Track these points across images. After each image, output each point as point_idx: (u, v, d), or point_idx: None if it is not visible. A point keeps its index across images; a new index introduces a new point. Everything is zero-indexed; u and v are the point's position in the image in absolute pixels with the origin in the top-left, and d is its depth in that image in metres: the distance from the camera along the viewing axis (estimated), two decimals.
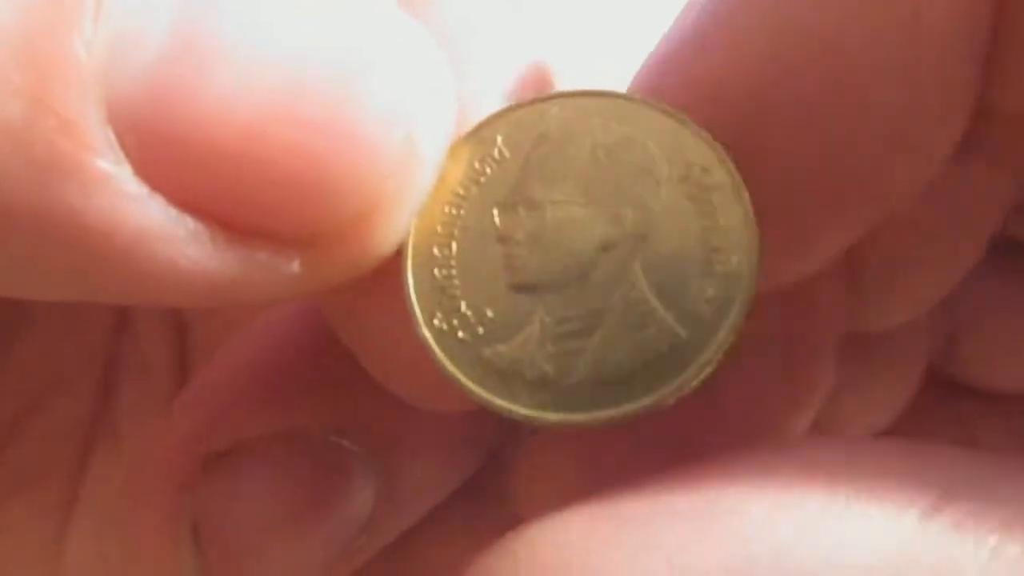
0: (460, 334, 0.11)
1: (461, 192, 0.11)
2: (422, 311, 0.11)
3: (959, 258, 0.15)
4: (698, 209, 0.11)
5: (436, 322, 0.11)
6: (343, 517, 0.14)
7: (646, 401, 0.11)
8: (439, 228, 0.11)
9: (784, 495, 0.09)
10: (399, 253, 0.11)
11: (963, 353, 0.18)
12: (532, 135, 0.12)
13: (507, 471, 0.15)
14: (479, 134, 0.12)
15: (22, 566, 0.17)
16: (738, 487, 0.09)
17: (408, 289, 0.11)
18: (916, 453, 0.10)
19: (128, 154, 0.08)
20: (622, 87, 0.13)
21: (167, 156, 0.08)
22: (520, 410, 0.11)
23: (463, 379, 0.11)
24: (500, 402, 0.11)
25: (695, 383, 0.11)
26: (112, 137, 0.08)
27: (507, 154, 0.12)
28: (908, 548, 0.08)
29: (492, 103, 0.12)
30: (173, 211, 0.08)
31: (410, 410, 0.14)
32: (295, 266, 0.09)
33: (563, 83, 0.13)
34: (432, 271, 0.11)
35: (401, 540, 0.16)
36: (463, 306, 0.11)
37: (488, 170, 0.11)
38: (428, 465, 0.15)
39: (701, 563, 0.09)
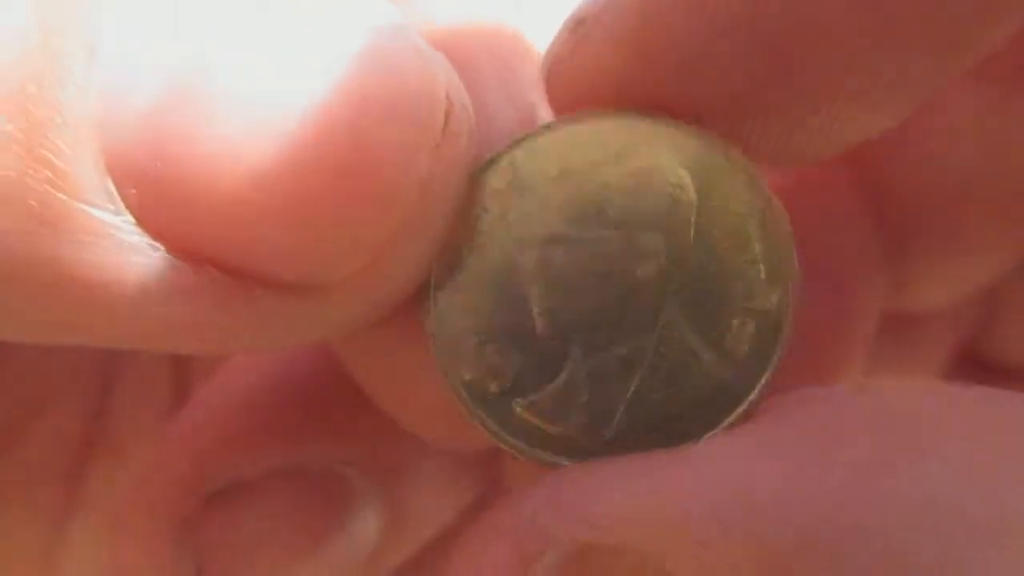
0: (490, 386, 0.10)
1: (484, 231, 0.10)
2: (450, 361, 0.10)
3: (1010, 243, 0.15)
4: (733, 242, 0.10)
5: (465, 375, 0.10)
6: (349, 548, 0.14)
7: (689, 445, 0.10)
8: (459, 272, 0.10)
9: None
10: (418, 296, 0.10)
11: (1000, 334, 0.17)
12: (554, 165, 0.10)
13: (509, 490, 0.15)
14: (497, 166, 0.11)
15: (18, 573, 0.17)
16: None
17: (433, 338, 0.10)
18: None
19: (128, 204, 0.07)
20: None
21: (167, 204, 0.07)
22: (558, 460, 0.10)
23: (498, 431, 0.10)
24: (538, 452, 0.10)
25: (734, 420, 0.10)
26: (111, 187, 0.07)
27: (528, 185, 0.10)
28: None
29: (508, 129, 0.11)
30: (175, 260, 0.08)
31: (413, 437, 0.13)
32: (303, 312, 0.09)
33: None
34: (457, 318, 0.10)
35: (409, 564, 0.15)
36: (491, 353, 0.10)
37: (509, 205, 0.10)
38: (433, 490, 0.15)
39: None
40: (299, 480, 0.14)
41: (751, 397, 0.10)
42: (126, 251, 0.07)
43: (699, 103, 0.10)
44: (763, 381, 0.10)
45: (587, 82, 0.10)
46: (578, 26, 0.10)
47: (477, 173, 0.11)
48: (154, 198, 0.07)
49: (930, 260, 0.15)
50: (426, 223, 0.09)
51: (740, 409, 0.10)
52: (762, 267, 0.10)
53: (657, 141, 0.10)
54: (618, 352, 0.10)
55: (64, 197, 0.07)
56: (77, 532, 0.18)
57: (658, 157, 0.10)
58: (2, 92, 0.07)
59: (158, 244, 0.08)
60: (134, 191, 0.07)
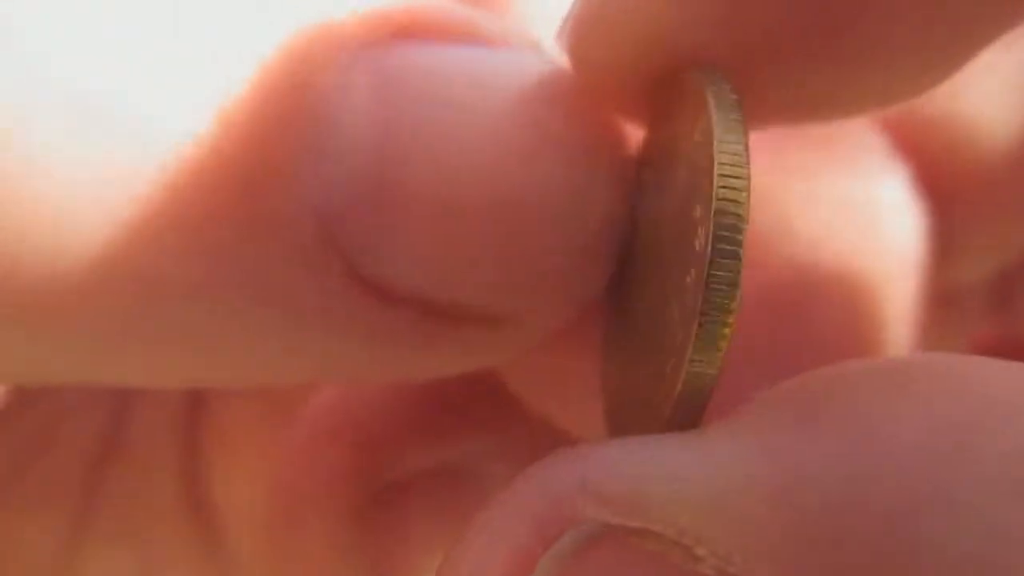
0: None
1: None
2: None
3: None
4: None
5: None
6: None
7: None
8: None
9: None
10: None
11: None
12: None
13: None
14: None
15: None
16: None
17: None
18: None
19: (344, 251, 0.08)
20: None
21: (376, 250, 0.08)
22: None
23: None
24: None
25: None
26: (324, 235, 0.08)
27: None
28: None
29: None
30: (390, 304, 0.08)
31: (559, 432, 0.13)
32: (497, 340, 0.09)
33: None
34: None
35: None
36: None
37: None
38: None
39: None
40: (451, 478, 0.14)
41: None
42: (350, 291, 0.08)
43: (740, 51, 0.09)
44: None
45: (621, 37, 0.10)
46: None
47: None
48: (369, 242, 0.08)
49: (972, 225, 0.14)
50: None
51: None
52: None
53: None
54: None
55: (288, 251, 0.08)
56: (94, 542, 0.18)
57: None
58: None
59: (372, 288, 0.08)
60: (350, 239, 0.08)
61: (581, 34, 0.09)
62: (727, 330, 0.08)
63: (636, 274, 0.09)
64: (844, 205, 0.12)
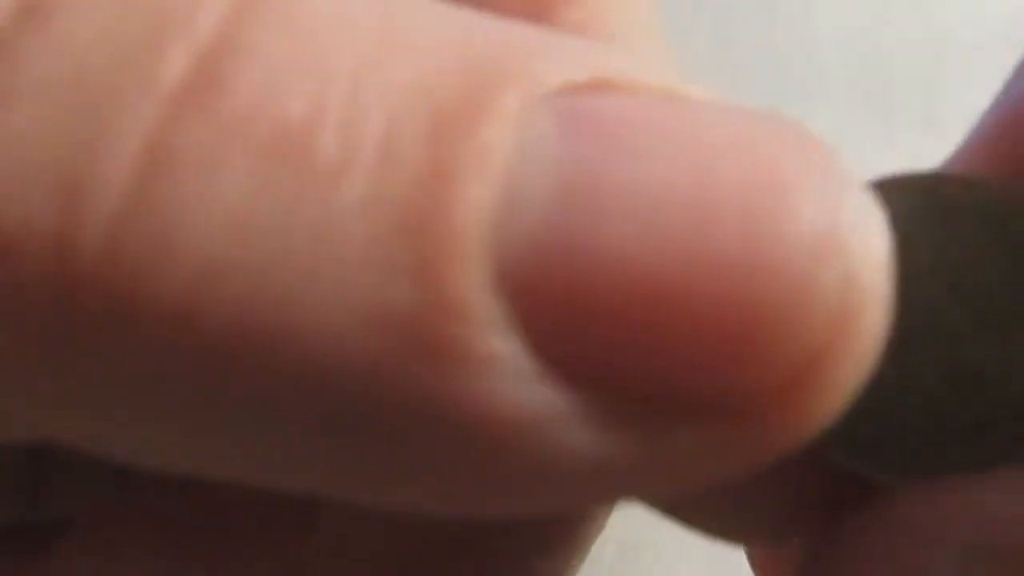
0: None
1: None
2: None
3: None
4: None
5: None
6: None
7: None
8: None
9: None
10: None
11: None
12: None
13: None
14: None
15: None
16: None
17: None
18: None
19: (518, 328, 0.06)
20: None
21: (563, 325, 0.07)
22: None
23: None
24: None
25: None
26: (503, 311, 0.06)
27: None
28: None
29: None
30: (570, 390, 0.07)
31: None
32: (716, 443, 0.07)
33: None
34: None
35: None
36: None
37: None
38: None
39: None
40: None
41: None
42: (521, 381, 0.06)
43: None
44: None
45: None
46: None
47: None
48: (549, 319, 0.06)
49: None
50: (858, 319, 0.07)
51: None
52: None
53: None
54: None
55: (461, 329, 0.06)
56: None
57: None
58: (394, 215, 0.06)
59: (552, 370, 0.06)
60: (526, 312, 0.06)
61: None
62: None
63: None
64: None
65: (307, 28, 0.07)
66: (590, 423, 0.07)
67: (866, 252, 0.07)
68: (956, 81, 0.38)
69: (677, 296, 0.06)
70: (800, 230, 0.07)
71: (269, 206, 0.06)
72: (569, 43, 0.08)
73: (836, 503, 0.10)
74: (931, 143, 0.35)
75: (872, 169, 0.34)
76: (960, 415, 0.08)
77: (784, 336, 0.07)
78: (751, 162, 0.07)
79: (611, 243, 0.06)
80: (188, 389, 0.07)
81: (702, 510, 0.10)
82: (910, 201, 0.09)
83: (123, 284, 0.06)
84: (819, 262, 0.07)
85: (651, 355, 0.07)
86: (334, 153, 0.06)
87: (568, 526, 0.11)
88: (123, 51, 0.07)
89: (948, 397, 0.08)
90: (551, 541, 0.11)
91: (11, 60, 0.07)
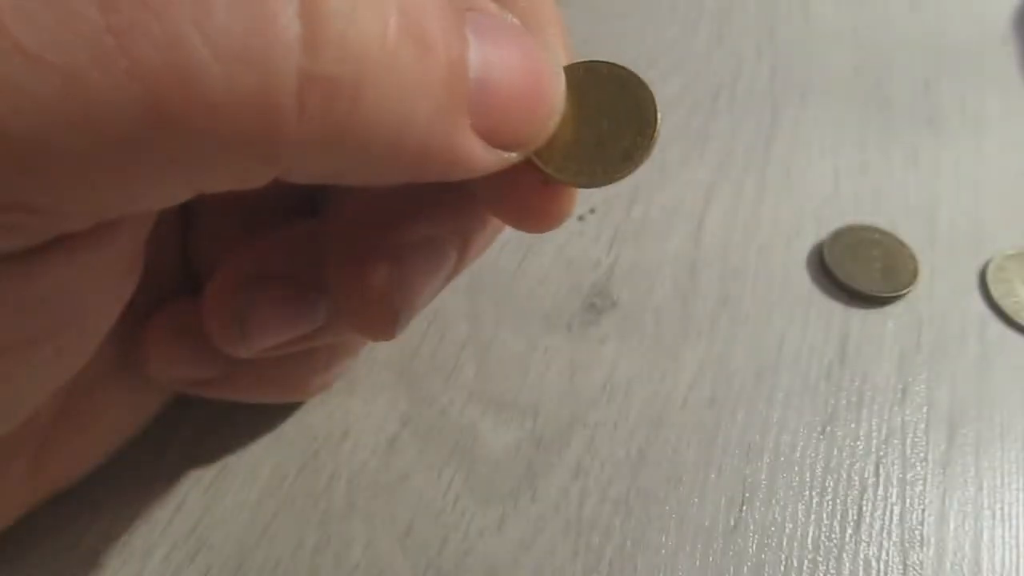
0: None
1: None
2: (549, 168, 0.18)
3: None
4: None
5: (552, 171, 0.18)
6: None
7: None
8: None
9: None
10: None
11: None
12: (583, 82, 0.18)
13: None
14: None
15: None
16: None
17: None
18: None
19: (474, 127, 0.15)
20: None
21: (484, 114, 0.15)
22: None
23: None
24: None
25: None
26: (470, 123, 0.15)
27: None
28: None
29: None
30: (484, 144, 0.15)
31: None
32: (516, 156, 0.16)
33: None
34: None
35: None
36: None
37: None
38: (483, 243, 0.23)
39: None
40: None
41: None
42: (470, 139, 0.15)
43: None
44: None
45: None
46: None
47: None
48: (478, 119, 0.15)
49: None
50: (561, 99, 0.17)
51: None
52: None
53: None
54: None
55: (457, 122, 0.15)
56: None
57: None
58: (440, 82, 0.14)
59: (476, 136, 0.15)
60: (474, 118, 0.15)
61: None
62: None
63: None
64: None
65: None
66: (485, 153, 0.16)
67: (561, 85, 0.17)
68: (956, 81, 0.38)
69: (517, 106, 0.16)
70: (547, 77, 0.16)
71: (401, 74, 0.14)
72: None
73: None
74: (931, 142, 0.35)
75: (872, 169, 0.34)
76: (585, 150, 0.17)
77: (544, 115, 0.16)
78: (531, 48, 0.16)
79: (498, 86, 0.15)
80: (364, 164, 0.14)
81: (489, 194, 0.19)
82: (579, 72, 0.18)
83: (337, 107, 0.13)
84: (551, 89, 0.17)
85: (511, 127, 0.16)
86: (430, 46, 0.14)
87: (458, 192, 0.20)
88: None
89: (577, 141, 0.17)
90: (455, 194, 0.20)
91: None
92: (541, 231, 0.19)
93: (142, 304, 0.21)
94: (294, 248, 0.22)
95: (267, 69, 0.12)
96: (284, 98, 0.12)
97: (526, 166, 0.17)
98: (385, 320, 0.20)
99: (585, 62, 0.18)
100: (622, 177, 0.17)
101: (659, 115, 0.17)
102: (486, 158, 0.16)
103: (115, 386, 0.22)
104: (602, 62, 0.18)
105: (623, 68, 0.18)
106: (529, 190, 0.18)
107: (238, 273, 0.21)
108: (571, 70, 0.18)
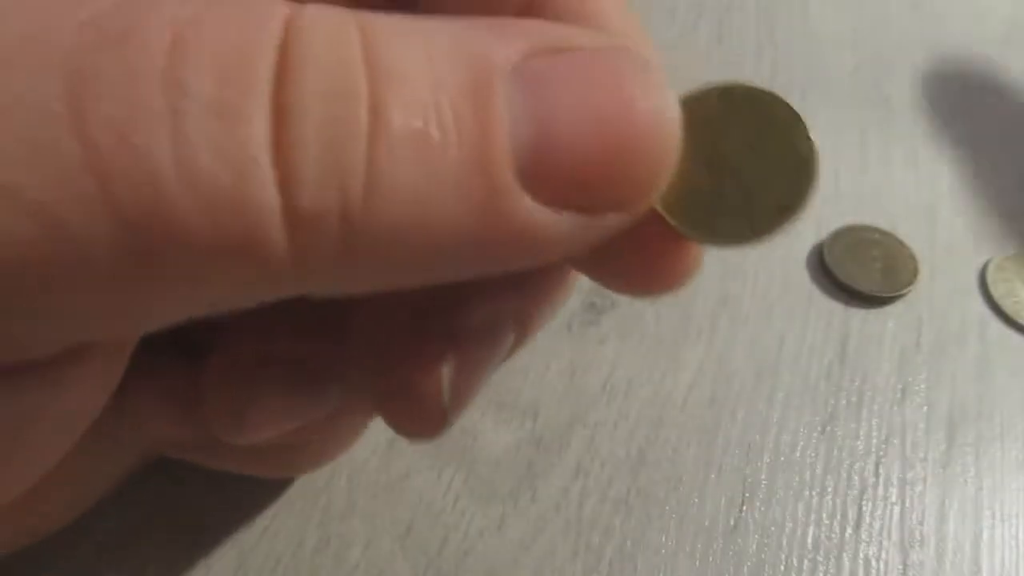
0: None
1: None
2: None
3: None
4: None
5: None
6: None
7: None
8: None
9: None
10: None
11: None
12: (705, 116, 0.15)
13: None
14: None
15: None
16: None
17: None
18: None
19: (524, 185, 0.13)
20: None
21: (547, 184, 0.13)
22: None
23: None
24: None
25: None
26: (520, 186, 0.13)
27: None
28: None
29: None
30: (552, 209, 0.13)
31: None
32: (613, 223, 0.14)
33: None
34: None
35: None
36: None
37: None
38: None
39: None
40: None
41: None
42: (526, 208, 0.13)
43: None
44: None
45: None
46: None
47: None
48: (537, 180, 0.13)
49: None
50: (671, 155, 0.14)
51: None
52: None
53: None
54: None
55: (502, 189, 0.12)
56: None
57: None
58: (472, 165, 0.12)
59: (539, 202, 0.13)
60: (526, 178, 0.12)
61: None
62: None
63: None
64: None
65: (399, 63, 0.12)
66: (561, 219, 0.13)
67: (670, 127, 0.13)
68: (956, 81, 0.38)
69: (594, 162, 0.13)
70: (642, 120, 0.13)
71: (425, 174, 0.12)
72: (515, 28, 0.13)
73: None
74: (931, 142, 0.35)
75: (872, 169, 0.34)
76: (727, 201, 0.14)
77: (643, 169, 0.13)
78: (613, 88, 0.13)
79: (562, 145, 0.13)
80: (409, 270, 0.13)
81: (592, 261, 0.16)
82: (712, 99, 0.15)
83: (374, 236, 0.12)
84: (649, 136, 0.13)
85: (593, 190, 0.13)
86: (438, 137, 0.12)
87: (545, 277, 0.18)
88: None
89: (717, 191, 0.14)
90: (535, 286, 0.18)
91: None
92: (660, 295, 0.16)
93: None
94: (304, 325, 0.19)
95: (246, 209, 0.11)
96: (270, 233, 0.11)
97: (647, 219, 0.14)
98: (433, 422, 0.17)
99: (718, 86, 0.15)
100: (777, 234, 0.14)
101: (816, 151, 0.14)
102: (571, 231, 0.13)
103: (92, 449, 0.19)
104: (736, 84, 0.15)
105: (763, 90, 0.15)
106: (649, 249, 0.15)
107: (239, 357, 0.19)
108: (703, 98, 0.14)
